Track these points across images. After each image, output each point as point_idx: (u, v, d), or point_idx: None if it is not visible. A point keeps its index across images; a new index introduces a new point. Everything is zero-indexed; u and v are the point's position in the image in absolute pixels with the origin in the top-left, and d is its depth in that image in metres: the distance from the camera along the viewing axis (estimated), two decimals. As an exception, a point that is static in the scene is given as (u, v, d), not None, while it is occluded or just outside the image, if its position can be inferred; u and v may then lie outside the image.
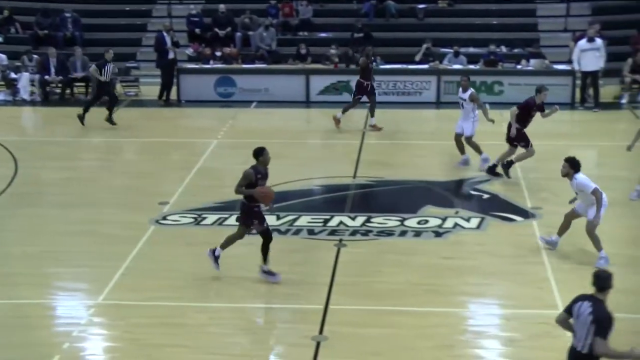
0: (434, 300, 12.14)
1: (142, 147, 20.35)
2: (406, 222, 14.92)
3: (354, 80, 23.68)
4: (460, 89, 17.91)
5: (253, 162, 12.45)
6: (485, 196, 16.27)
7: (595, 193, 12.79)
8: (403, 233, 14.55)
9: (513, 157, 17.12)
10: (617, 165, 18.34)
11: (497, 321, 11.79)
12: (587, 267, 12.95)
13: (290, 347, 11.02)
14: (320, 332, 11.23)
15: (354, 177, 17.52)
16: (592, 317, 8.32)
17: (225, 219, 15.16)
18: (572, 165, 12.97)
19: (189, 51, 26.33)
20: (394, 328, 11.32)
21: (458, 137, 17.98)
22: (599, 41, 22.71)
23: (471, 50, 25.60)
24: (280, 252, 13.83)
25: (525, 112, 16.82)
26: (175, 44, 24.33)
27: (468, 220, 15.01)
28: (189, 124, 22.69)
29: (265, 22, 26.58)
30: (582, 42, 22.75)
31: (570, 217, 13.47)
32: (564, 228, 13.51)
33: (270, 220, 14.94)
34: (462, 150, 17.99)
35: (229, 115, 22.17)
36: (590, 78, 22.74)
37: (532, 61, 24.11)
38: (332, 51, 25.00)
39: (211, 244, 13.07)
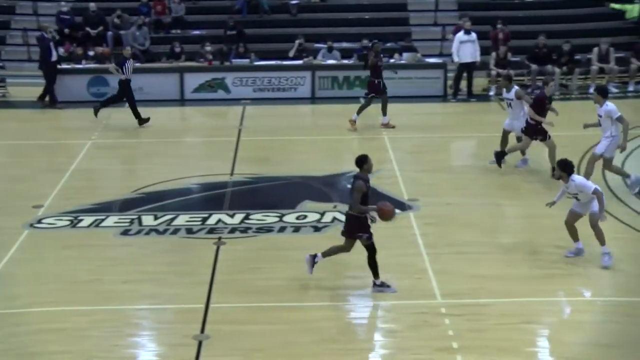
0: (315, 295, 12.22)
1: (14, 150, 19.79)
2: (285, 218, 14.97)
3: (229, 77, 23.71)
4: (504, 90, 17.70)
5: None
6: (364, 190, 16.43)
7: (596, 193, 12.84)
8: (282, 229, 14.59)
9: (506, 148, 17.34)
10: (489, 156, 18.80)
11: (377, 313, 11.95)
12: (463, 256, 13.37)
13: (172, 347, 10.92)
14: (202, 331, 11.17)
15: (232, 174, 17.46)
16: None
17: (102, 220, 14.91)
18: (564, 168, 12.91)
19: (60, 51, 25.71)
20: (275, 324, 11.35)
21: (506, 134, 17.76)
22: (474, 34, 23.31)
23: (344, 45, 25.83)
24: (158, 253, 13.73)
25: (540, 106, 16.75)
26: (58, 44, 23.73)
27: (346, 214, 15.15)
28: (61, 125, 22.16)
29: (138, 21, 26.19)
30: (460, 34, 23.33)
31: (572, 220, 13.29)
32: (573, 234, 13.33)
33: (147, 220, 14.83)
34: (504, 146, 17.78)
35: (103, 115, 21.78)
36: (467, 70, 23.29)
37: (405, 55, 24.51)
38: (206, 48, 24.85)
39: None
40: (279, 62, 24.65)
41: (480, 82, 23.98)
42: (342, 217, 14.80)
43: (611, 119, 15.55)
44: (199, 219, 14.94)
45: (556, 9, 27.85)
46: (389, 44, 25.65)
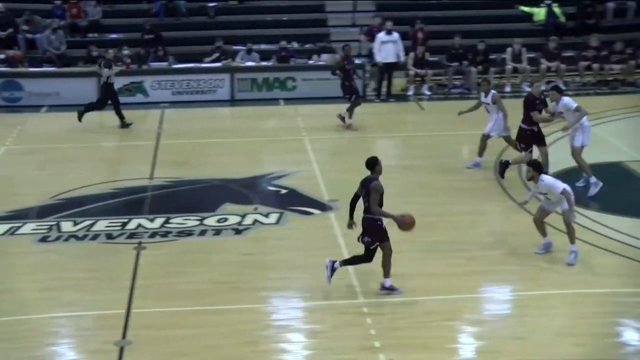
0: (237, 297, 12.17)
1: None
2: (205, 221, 14.89)
3: (147, 80, 23.50)
4: (483, 94, 17.61)
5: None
6: (283, 191, 16.46)
7: (565, 193, 12.97)
8: (203, 232, 14.50)
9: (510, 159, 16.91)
10: (410, 155, 19.03)
11: (300, 314, 11.95)
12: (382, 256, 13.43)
13: (92, 354, 10.75)
14: (123, 336, 11.03)
15: (151, 178, 17.30)
16: None
17: (19, 227, 14.63)
18: (536, 168, 13.14)
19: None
20: (198, 328, 11.27)
21: (484, 139, 17.67)
22: (396, 34, 23.49)
23: (263, 46, 25.80)
24: (78, 259, 13.52)
25: (530, 109, 16.61)
26: None
27: (267, 216, 15.14)
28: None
29: (52, 24, 25.72)
30: (382, 35, 23.49)
31: (541, 217, 13.46)
32: (541, 230, 13.50)
33: (67, 226, 14.60)
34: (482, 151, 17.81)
35: (18, 120, 21.39)
36: (388, 70, 23.45)
37: (324, 56, 24.60)
38: (124, 52, 24.57)
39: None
40: (197, 64, 24.51)
41: (399, 82, 24.17)
42: (263, 219, 14.87)
43: (571, 110, 15.79)
44: (119, 224, 14.76)
45: (471, 10, 28.25)
46: (307, 46, 25.74)
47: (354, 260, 12.38)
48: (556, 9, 26.87)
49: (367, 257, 12.21)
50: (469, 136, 19.84)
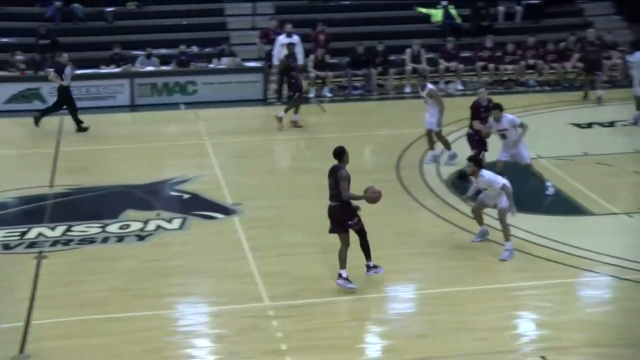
0: (141, 304, 12.04)
1: None
2: (108, 228, 14.69)
3: (45, 87, 22.95)
4: (420, 88, 17.94)
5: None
6: (186, 196, 16.35)
7: (505, 188, 13.27)
8: (105, 239, 14.31)
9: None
10: (312, 157, 19.12)
11: (205, 319, 11.89)
12: (289, 258, 13.50)
13: (-9, 370, 10.51)
14: (21, 350, 10.76)
15: (51, 186, 16.98)
16: None
17: None
18: (476, 164, 13.47)
19: None
20: (102, 336, 11.11)
21: (429, 133, 17.95)
22: (296, 37, 23.54)
23: (163, 51, 25.57)
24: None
25: (476, 115, 16.69)
26: None
27: (170, 221, 15.02)
28: None
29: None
30: (282, 37, 23.51)
31: (479, 208, 13.81)
32: (479, 219, 13.90)
33: (-38, 238, 14.23)
34: (432, 146, 18.03)
35: None
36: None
37: (224, 59, 24.53)
38: (17, 57, 24.03)
39: None
40: (96, 70, 24.15)
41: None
42: (166, 225, 14.75)
43: (516, 126, 15.80)
44: (17, 234, 14.45)
45: (370, 11, 28.52)
46: (207, 49, 25.61)
47: (365, 251, 12.44)
48: (452, 11, 27.37)
49: (362, 236, 12.38)
50: (370, 137, 20.10)
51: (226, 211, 15.52)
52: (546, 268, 13.07)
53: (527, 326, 11.66)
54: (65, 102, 21.02)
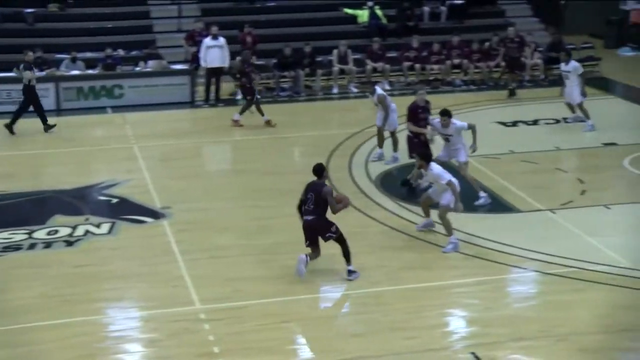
0: (71, 310, 11.88)
1: None
2: (35, 235, 14.47)
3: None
4: (369, 94, 17.86)
5: None
6: (114, 200, 16.19)
7: (450, 184, 13.54)
8: (32, 246, 14.09)
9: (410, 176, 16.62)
10: (241, 159, 19.11)
11: (136, 324, 11.80)
12: (220, 260, 13.48)
13: None
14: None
15: (-25, 192, 16.67)
16: None
17: None
18: (423, 157, 13.97)
19: None
20: (32, 345, 10.95)
21: (380, 131, 18.14)
22: (222, 39, 23.44)
23: (88, 55, 25.22)
24: None
25: (413, 116, 16.70)
26: None
27: (99, 226, 14.86)
28: None
29: None
30: (208, 40, 23.37)
31: (426, 202, 14.25)
32: (426, 211, 14.38)
33: None
34: (380, 144, 18.30)
35: None
36: (215, 75, 23.37)
37: (150, 62, 24.31)
38: None
39: None
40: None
41: (227, 86, 24.16)
42: (95, 230, 14.59)
43: (464, 130, 15.82)
44: (-59, 242, 14.15)
45: (297, 13, 28.57)
46: (133, 52, 25.37)
47: (347, 256, 12.85)
48: (378, 11, 27.56)
49: (343, 244, 12.83)
50: (299, 138, 20.16)
51: (155, 215, 15.41)
52: (475, 265, 13.28)
53: (457, 323, 11.85)
54: (31, 101, 20.88)
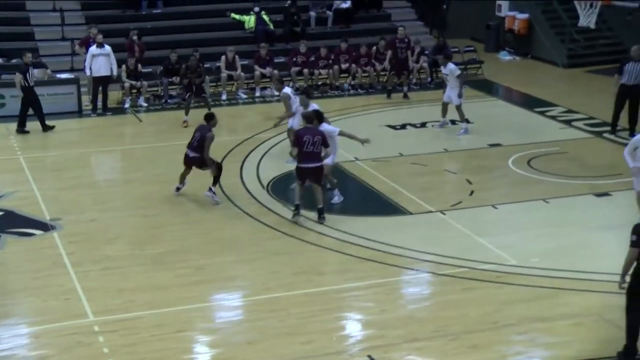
0: (-44, 329, 11.54)
1: None
2: None
3: None
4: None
5: None
6: (0, 213, 15.77)
7: (341, 134, 15.72)
8: None
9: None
10: (130, 168, 18.86)
11: (25, 341, 11.45)
12: (112, 271, 13.30)
13: None
14: None
15: None
16: None
17: None
18: (317, 117, 15.21)
19: None
20: None
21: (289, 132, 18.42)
22: (107, 47, 23.05)
23: (-33, 63, 24.49)
24: None
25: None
26: None
27: (-17, 240, 14.47)
28: None
29: None
30: (93, 48, 22.91)
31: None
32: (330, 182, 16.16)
33: None
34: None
35: None
36: (102, 83, 22.95)
37: (34, 71, 23.70)
38: None
39: None
40: None
41: (114, 95, 23.80)
42: (-19, 244, 14.16)
43: (332, 137, 15.89)
44: None
45: (183, 19, 28.35)
46: (14, 61, 24.69)
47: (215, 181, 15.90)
48: (265, 17, 27.58)
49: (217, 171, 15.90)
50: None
51: (44, 227, 15.07)
52: (368, 268, 13.43)
53: (353, 327, 11.95)
54: (31, 103, 20.87)
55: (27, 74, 20.92)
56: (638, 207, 14.62)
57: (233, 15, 28.05)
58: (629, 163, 14.67)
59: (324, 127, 15.74)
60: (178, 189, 16.51)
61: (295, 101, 18.36)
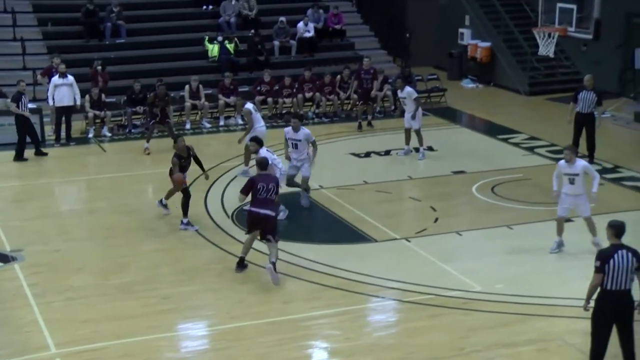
0: None
1: None
2: None
3: None
4: (292, 129, 17.32)
5: None
6: (-41, 246, 15.57)
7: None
8: None
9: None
10: (94, 198, 18.73)
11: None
12: (76, 302, 13.18)
13: None
14: None
15: None
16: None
17: None
18: (257, 142, 15.86)
19: None
20: None
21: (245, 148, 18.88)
22: (70, 77, 22.94)
23: None
24: None
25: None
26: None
27: (-57, 273, 14.24)
28: None
29: None
30: (56, 78, 22.79)
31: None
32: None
33: None
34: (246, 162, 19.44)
35: None
36: (65, 113, 22.80)
37: (-2, 100, 23.52)
38: None
39: None
40: None
41: (77, 125, 23.65)
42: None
43: (308, 142, 17.20)
44: None
45: (147, 49, 28.30)
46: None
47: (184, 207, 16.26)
48: (228, 46, 27.62)
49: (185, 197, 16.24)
50: (152, 175, 19.93)
51: (5, 259, 14.90)
52: (334, 296, 13.40)
53: (318, 355, 11.94)
54: (27, 130, 21.35)
55: (21, 102, 21.27)
56: (557, 232, 14.93)
57: (206, 42, 27.92)
58: (553, 185, 15.07)
59: (303, 129, 17.15)
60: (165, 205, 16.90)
61: (257, 117, 19.29)
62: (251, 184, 14.01)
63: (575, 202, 14.81)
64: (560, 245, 14.98)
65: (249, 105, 19.51)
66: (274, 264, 13.65)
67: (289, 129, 17.33)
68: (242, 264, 14.27)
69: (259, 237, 14.11)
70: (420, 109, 20.98)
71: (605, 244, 10.87)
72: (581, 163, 14.79)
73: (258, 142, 15.95)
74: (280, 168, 16.04)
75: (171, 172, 16.32)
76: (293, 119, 17.54)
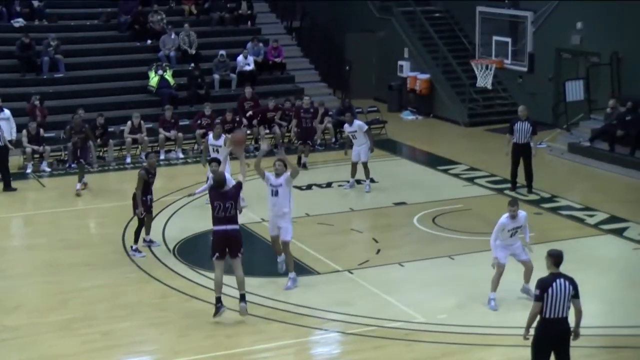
0: None
1: None
2: None
3: None
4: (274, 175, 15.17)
5: None
6: None
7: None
8: None
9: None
10: (34, 234, 18.50)
11: None
12: (11, 342, 12.96)
13: None
14: None
15: None
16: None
17: None
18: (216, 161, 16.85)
19: None
20: None
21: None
22: (7, 111, 22.69)
23: None
24: None
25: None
26: None
27: None
28: None
29: None
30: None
31: None
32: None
33: None
34: None
35: None
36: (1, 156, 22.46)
37: None
38: None
39: None
40: None
41: (15, 160, 23.35)
42: None
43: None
44: None
45: (87, 84, 28.11)
46: None
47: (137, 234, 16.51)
48: (168, 77, 27.56)
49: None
50: (93, 210, 19.76)
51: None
52: (278, 329, 13.37)
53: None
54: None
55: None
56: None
57: (151, 71, 27.77)
58: (493, 251, 14.23)
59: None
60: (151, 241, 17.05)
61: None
62: (210, 199, 13.73)
63: (512, 250, 14.24)
64: None
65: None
66: (242, 296, 13.53)
67: (270, 174, 15.16)
68: (220, 306, 13.52)
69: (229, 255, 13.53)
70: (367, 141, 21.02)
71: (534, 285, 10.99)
72: (522, 214, 14.24)
73: (219, 162, 16.48)
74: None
75: (135, 197, 16.58)
76: (277, 161, 15.23)
